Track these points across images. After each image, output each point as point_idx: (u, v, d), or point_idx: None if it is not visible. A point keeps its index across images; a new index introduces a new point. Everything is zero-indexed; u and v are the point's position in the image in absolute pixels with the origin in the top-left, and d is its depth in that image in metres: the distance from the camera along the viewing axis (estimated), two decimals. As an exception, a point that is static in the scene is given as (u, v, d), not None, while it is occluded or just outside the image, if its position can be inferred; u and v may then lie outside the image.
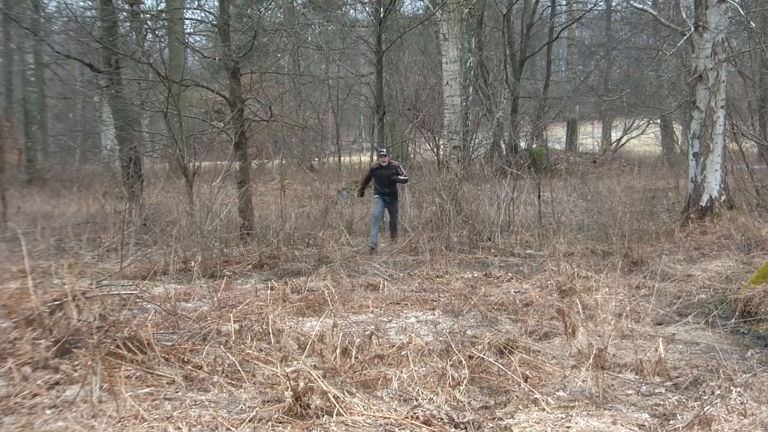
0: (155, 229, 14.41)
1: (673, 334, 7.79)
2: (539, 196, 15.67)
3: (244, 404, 5.64)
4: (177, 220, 14.00)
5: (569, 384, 6.09)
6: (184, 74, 17.91)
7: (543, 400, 5.63)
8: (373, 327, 7.48)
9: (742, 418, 5.15)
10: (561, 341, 7.37)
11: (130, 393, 5.59)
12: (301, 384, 5.40)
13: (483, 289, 9.91)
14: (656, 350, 6.60)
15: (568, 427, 5.17)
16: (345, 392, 5.66)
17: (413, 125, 24.77)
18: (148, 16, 19.82)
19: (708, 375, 6.20)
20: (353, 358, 6.54)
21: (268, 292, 9.41)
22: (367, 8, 26.22)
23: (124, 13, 18.34)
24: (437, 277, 11.22)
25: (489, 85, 27.64)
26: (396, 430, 5.12)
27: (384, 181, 14.21)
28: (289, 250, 12.96)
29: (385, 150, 14.85)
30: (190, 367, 6.39)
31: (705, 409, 5.23)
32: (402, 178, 14.14)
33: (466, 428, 5.19)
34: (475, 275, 11.22)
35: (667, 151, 31.85)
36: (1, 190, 17.06)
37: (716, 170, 14.81)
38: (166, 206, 16.64)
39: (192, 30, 26.84)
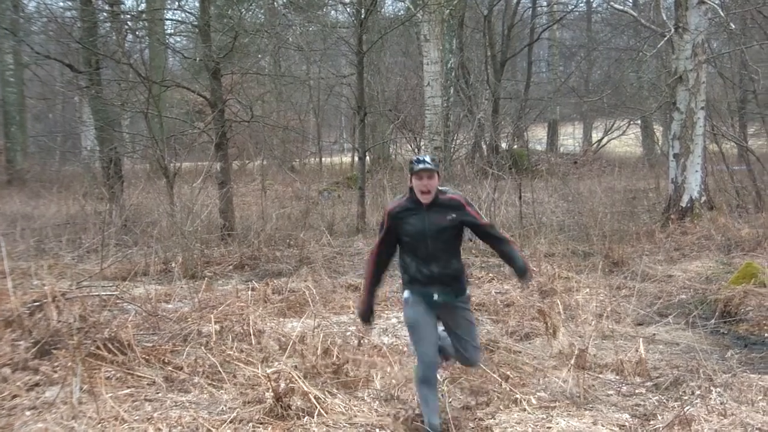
0: (136, 229, 14.30)
1: (654, 334, 7.83)
2: (520, 197, 15.66)
3: (225, 405, 5.62)
4: (157, 220, 13.91)
5: (550, 384, 6.11)
6: (164, 75, 17.85)
7: (524, 401, 5.65)
8: (354, 328, 7.47)
9: (722, 418, 5.18)
10: (542, 342, 7.40)
11: (110, 394, 5.57)
12: (282, 385, 5.40)
13: (464, 290, 9.89)
14: (637, 351, 6.64)
15: (549, 428, 5.19)
16: (326, 393, 5.65)
17: (394, 126, 24.75)
18: (129, 16, 19.71)
19: (688, 375, 6.23)
20: (334, 358, 6.53)
21: (249, 292, 9.35)
22: (348, 9, 26.17)
23: (104, 14, 18.23)
24: (419, 277, 11.19)
25: (470, 86, 27.61)
26: (377, 430, 5.12)
27: (432, 248, 5.10)
28: (270, 251, 12.91)
29: (429, 160, 5.03)
30: (170, 368, 6.36)
31: (685, 410, 5.26)
32: (503, 235, 5.48)
33: (447, 428, 5.20)
34: (457, 276, 11.20)
35: (648, 152, 31.95)
36: (-20, 191, 16.93)
37: (696, 171, 14.88)
38: (146, 207, 16.52)
39: (172, 30, 26.66)
